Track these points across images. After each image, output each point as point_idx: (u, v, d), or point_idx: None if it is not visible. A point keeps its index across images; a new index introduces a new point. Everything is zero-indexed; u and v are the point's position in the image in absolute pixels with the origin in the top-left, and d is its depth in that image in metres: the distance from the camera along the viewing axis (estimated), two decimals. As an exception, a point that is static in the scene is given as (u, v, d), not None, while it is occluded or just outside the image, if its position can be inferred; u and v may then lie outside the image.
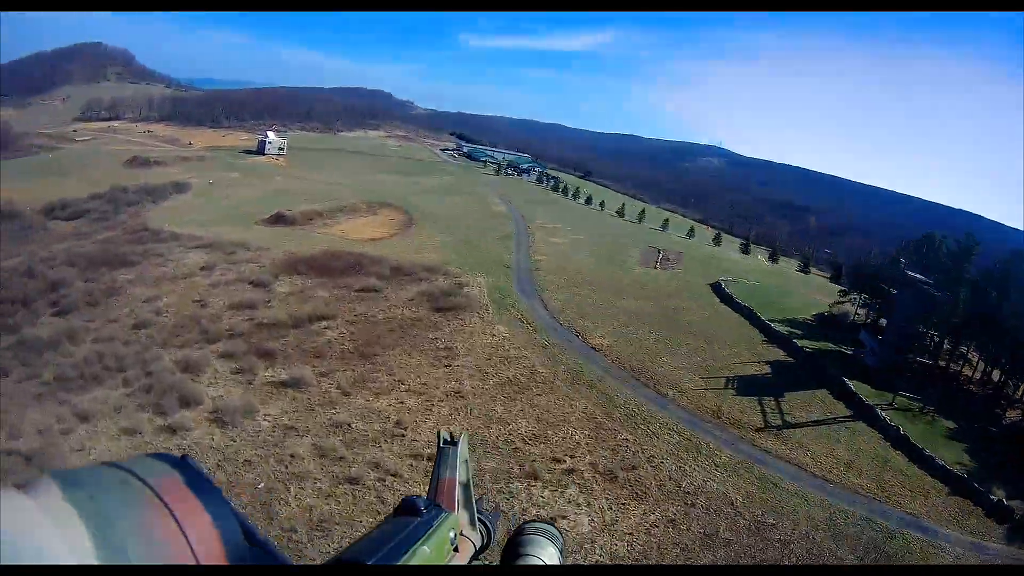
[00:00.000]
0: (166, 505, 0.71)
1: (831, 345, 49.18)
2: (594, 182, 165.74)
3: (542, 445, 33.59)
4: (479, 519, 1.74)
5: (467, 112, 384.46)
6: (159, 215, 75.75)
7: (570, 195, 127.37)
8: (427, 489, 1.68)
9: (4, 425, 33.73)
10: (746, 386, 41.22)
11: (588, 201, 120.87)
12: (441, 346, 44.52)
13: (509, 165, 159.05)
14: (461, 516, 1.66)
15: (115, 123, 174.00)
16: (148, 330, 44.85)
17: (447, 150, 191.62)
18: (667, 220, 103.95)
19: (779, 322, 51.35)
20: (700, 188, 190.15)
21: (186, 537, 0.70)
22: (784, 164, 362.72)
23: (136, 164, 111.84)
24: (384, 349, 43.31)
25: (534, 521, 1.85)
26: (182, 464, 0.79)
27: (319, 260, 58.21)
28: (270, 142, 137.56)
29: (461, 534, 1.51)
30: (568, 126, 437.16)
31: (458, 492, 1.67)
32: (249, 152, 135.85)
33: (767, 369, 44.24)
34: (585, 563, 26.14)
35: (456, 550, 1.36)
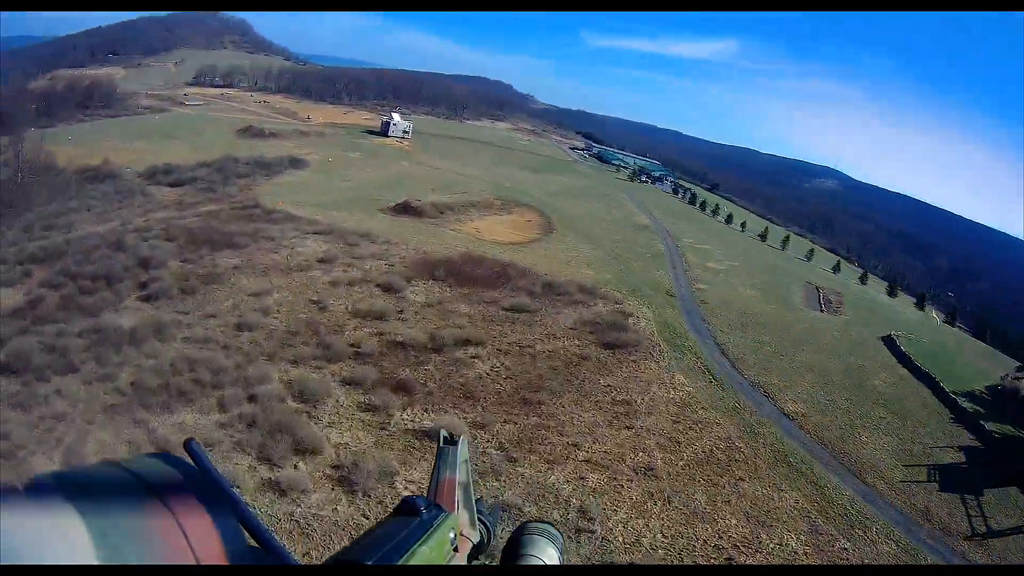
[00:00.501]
0: (166, 505, 0.73)
1: (1011, 429, 43.34)
2: (721, 195, 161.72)
3: (757, 555, 26.94)
4: (479, 519, 1.79)
5: (587, 111, 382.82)
6: (271, 191, 70.81)
7: (708, 211, 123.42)
8: (427, 489, 1.72)
9: (60, 443, 26.39)
10: (947, 479, 36.52)
11: (728, 220, 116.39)
12: (618, 398, 36.03)
13: (641, 171, 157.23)
14: (461, 516, 1.71)
15: (229, 90, 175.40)
16: (253, 334, 36.99)
17: (575, 149, 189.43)
18: (812, 251, 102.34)
19: (961, 395, 45.79)
20: (822, 212, 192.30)
21: (186, 537, 0.72)
22: (897, 193, 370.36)
23: (250, 134, 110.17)
24: (551, 396, 34.59)
25: (534, 521, 1.89)
26: (183, 464, 0.82)
27: (457, 264, 50.03)
28: (395, 124, 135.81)
29: (461, 534, 1.56)
30: (684, 133, 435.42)
31: (458, 492, 1.72)
32: (372, 132, 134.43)
33: (962, 457, 39.07)
34: None
35: (456, 550, 1.43)
